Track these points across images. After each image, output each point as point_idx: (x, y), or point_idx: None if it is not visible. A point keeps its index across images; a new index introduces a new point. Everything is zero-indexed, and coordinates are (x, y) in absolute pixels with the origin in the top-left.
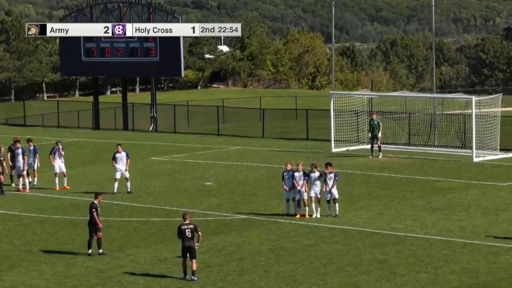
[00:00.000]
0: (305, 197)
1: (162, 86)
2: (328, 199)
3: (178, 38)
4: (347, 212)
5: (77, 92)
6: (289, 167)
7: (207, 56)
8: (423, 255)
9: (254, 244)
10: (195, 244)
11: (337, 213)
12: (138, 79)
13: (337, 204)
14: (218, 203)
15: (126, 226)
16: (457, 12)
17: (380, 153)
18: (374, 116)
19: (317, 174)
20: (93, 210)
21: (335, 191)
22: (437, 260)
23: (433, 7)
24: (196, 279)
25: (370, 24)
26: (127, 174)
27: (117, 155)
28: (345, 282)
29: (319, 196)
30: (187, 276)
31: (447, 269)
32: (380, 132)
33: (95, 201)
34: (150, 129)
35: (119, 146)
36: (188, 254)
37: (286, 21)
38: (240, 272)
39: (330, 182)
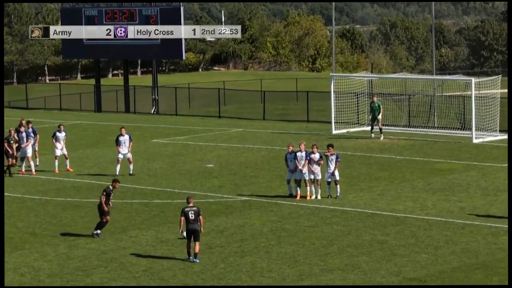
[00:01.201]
0: (307, 178)
1: (164, 68)
2: (329, 180)
3: (179, 20)
4: (347, 194)
5: (79, 75)
6: (290, 149)
7: (208, 38)
8: (423, 236)
9: (255, 226)
10: (200, 229)
11: (338, 194)
12: (139, 61)
13: (338, 186)
14: (219, 185)
15: (128, 208)
16: None
17: (382, 134)
18: (375, 99)
19: (317, 156)
20: (103, 193)
21: (336, 173)
22: (437, 241)
23: None
24: (198, 261)
25: (370, 6)
26: (130, 156)
27: (120, 138)
28: (346, 263)
29: (318, 178)
30: (191, 257)
31: (447, 250)
32: (380, 114)
33: (110, 186)
34: (152, 112)
35: (122, 129)
36: (192, 237)
37: (286, 3)
38: (241, 254)
39: (332, 164)
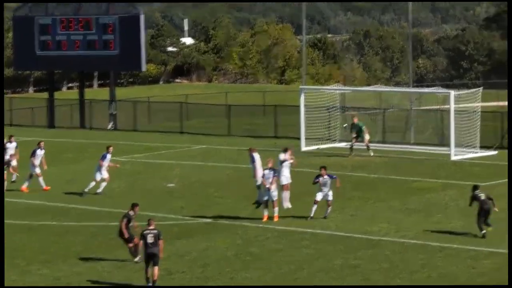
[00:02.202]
0: (275, 198)
1: (122, 81)
2: (318, 199)
3: (139, 30)
4: (318, 215)
5: (31, 88)
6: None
7: (170, 49)
8: (398, 260)
9: (219, 250)
10: (159, 253)
11: (326, 214)
12: (96, 73)
13: (330, 207)
14: (182, 205)
15: (83, 231)
16: (435, 1)
17: (370, 151)
18: (356, 120)
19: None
20: (124, 219)
21: (330, 193)
22: (413, 265)
23: None
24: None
25: (343, 14)
26: (101, 176)
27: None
28: None
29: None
30: (149, 283)
31: (423, 275)
32: (366, 133)
33: (130, 212)
34: (109, 127)
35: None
36: (151, 261)
37: (253, 11)
38: (204, 280)
39: (326, 186)
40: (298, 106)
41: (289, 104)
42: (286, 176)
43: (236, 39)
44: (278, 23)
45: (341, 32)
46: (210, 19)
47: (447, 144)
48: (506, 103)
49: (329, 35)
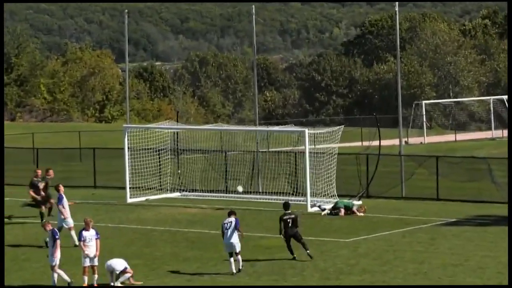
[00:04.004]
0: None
1: None
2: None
3: None
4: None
5: None
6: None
7: None
8: None
9: None
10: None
11: (240, 267)
12: None
13: (239, 257)
14: None
15: None
16: (284, 22)
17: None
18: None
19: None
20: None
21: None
22: None
23: (253, 16)
24: None
25: (174, 37)
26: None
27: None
28: None
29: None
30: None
31: None
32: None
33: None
34: None
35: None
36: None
37: (65, 34)
38: None
39: (228, 232)
40: (122, 149)
41: (111, 146)
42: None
43: (44, 68)
44: (95, 48)
45: (172, 60)
46: (12, 44)
47: (302, 193)
48: (370, 142)
49: (158, 63)
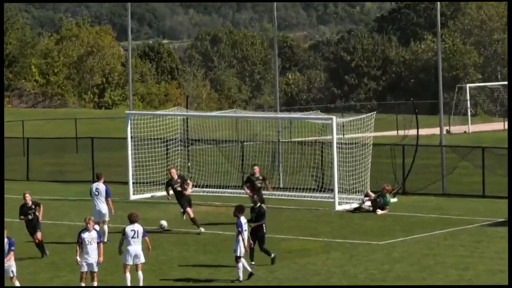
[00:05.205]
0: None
1: None
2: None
3: None
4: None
5: None
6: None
7: None
8: None
9: None
10: None
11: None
12: None
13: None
14: None
15: None
16: None
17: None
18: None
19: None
20: None
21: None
22: None
23: None
24: None
25: (184, 12)
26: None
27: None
28: None
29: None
30: None
31: None
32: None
33: None
34: None
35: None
36: None
37: (60, 8)
38: None
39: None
40: (125, 139)
41: (112, 136)
42: None
43: (35, 47)
44: (93, 24)
45: (181, 37)
46: None
47: (329, 189)
48: (406, 131)
49: (165, 41)
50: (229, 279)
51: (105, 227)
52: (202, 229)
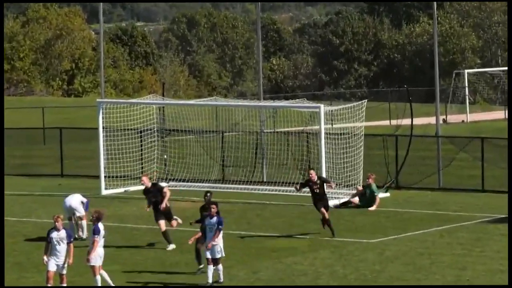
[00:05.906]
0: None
1: None
2: (207, 257)
3: None
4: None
5: None
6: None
7: None
8: None
9: None
10: None
11: (220, 279)
12: None
13: (219, 266)
14: None
15: None
16: None
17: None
18: (371, 181)
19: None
20: None
21: (218, 247)
22: None
23: None
24: None
25: None
26: None
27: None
28: None
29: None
30: None
31: None
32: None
33: None
34: None
35: None
36: None
37: None
38: None
39: (211, 233)
40: (96, 129)
41: (82, 126)
42: None
43: None
44: (62, 5)
45: (157, 20)
46: None
47: None
48: (400, 121)
49: (139, 24)
50: (204, 282)
51: (83, 223)
52: (172, 247)
